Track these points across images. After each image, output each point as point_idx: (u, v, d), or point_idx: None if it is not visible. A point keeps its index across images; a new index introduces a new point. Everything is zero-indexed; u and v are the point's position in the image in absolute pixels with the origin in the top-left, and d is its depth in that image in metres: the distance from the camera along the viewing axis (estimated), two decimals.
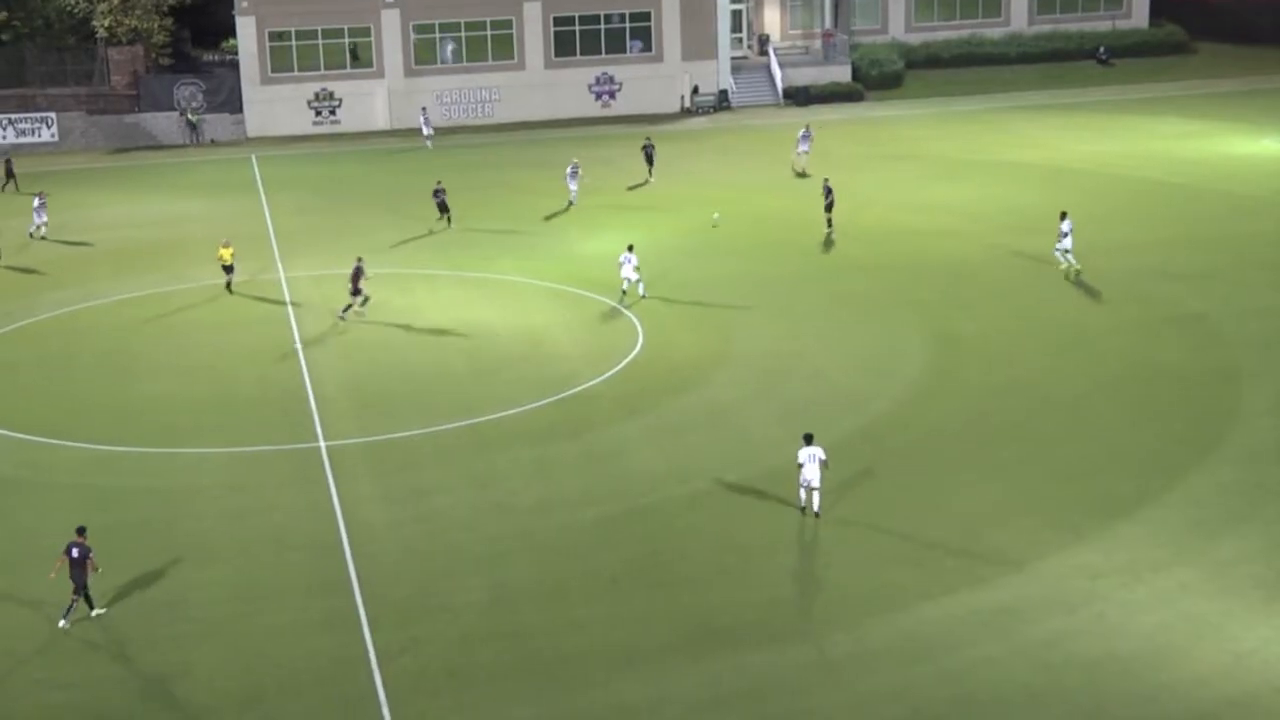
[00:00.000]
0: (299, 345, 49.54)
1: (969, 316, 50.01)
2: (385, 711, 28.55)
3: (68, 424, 43.57)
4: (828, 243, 59.43)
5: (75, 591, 31.50)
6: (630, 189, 68.06)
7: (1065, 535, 34.43)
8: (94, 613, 32.01)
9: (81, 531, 31.90)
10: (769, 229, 62.32)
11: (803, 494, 35.35)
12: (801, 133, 74.03)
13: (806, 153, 73.12)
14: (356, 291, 50.87)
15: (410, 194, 71.89)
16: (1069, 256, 52.91)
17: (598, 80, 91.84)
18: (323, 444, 41.74)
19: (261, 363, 48.20)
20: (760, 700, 28.47)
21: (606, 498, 37.64)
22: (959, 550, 33.97)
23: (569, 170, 67.73)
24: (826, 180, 62.12)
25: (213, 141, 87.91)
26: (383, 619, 31.97)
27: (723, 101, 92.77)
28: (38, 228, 64.04)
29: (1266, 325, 47.65)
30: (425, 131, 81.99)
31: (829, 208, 60.71)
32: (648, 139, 73.92)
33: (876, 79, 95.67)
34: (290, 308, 54.13)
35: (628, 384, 45.31)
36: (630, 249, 52.40)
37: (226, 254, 55.55)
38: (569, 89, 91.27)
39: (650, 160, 72.60)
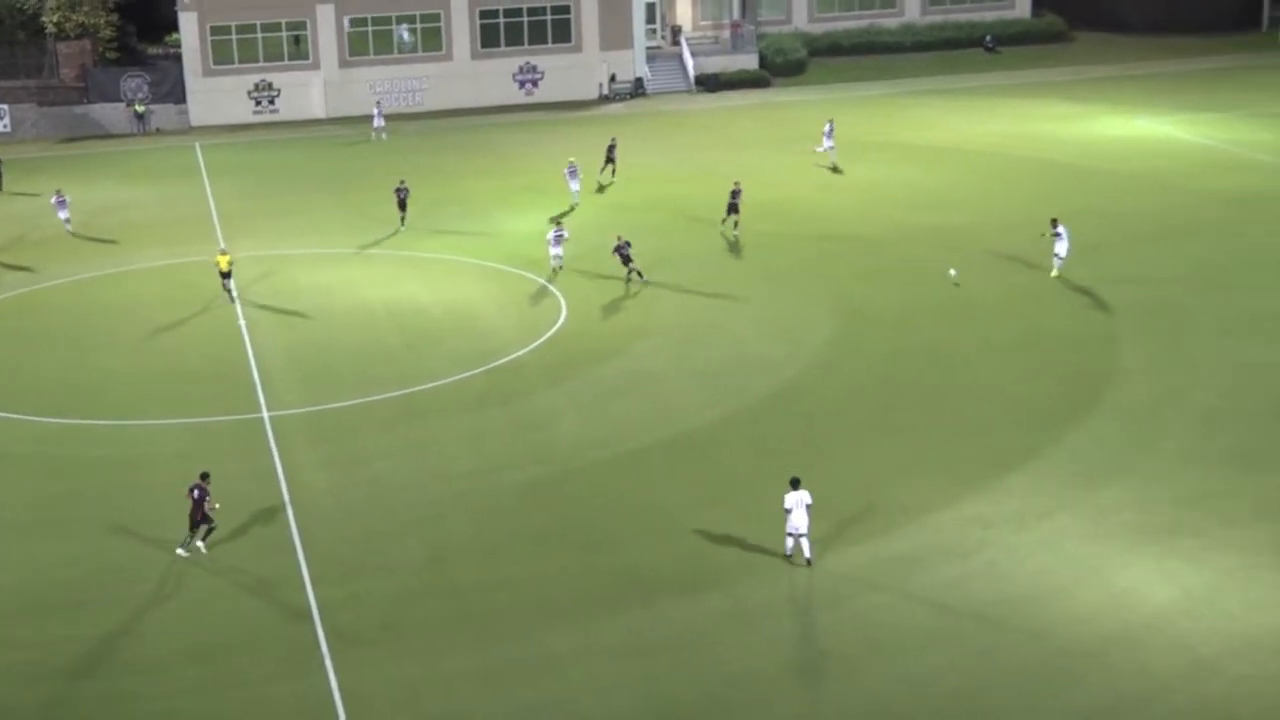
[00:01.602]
0: (242, 322, 49.10)
1: (872, 288, 50.21)
2: (328, 663, 28.46)
3: (24, 398, 43.12)
4: (734, 243, 55.99)
5: (191, 526, 32.42)
6: (599, 190, 66.45)
7: (960, 488, 34.74)
8: (180, 550, 32.69)
9: (205, 476, 32.63)
10: (684, 207, 62.25)
11: (789, 542, 31.27)
12: (826, 129, 69.39)
13: (833, 148, 68.57)
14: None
15: (346, 178, 71.56)
16: (1058, 261, 49.80)
17: (521, 70, 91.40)
18: (266, 414, 41.45)
19: (208, 339, 47.75)
20: (679, 648, 28.58)
21: (535, 462, 37.62)
22: (863, 504, 34.20)
23: (567, 170, 63.11)
24: (737, 183, 57.44)
25: (158, 131, 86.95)
26: (324, 577, 31.86)
27: (638, 89, 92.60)
28: (67, 220, 61.60)
29: (1141, 292, 48.17)
30: (378, 123, 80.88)
31: (733, 209, 56.62)
32: (613, 139, 69.18)
33: (782, 66, 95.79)
34: (234, 286, 53.58)
35: (553, 354, 45.25)
36: (558, 223, 51.94)
37: (224, 261, 51.40)
38: (494, 78, 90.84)
39: (611, 160, 67.86)
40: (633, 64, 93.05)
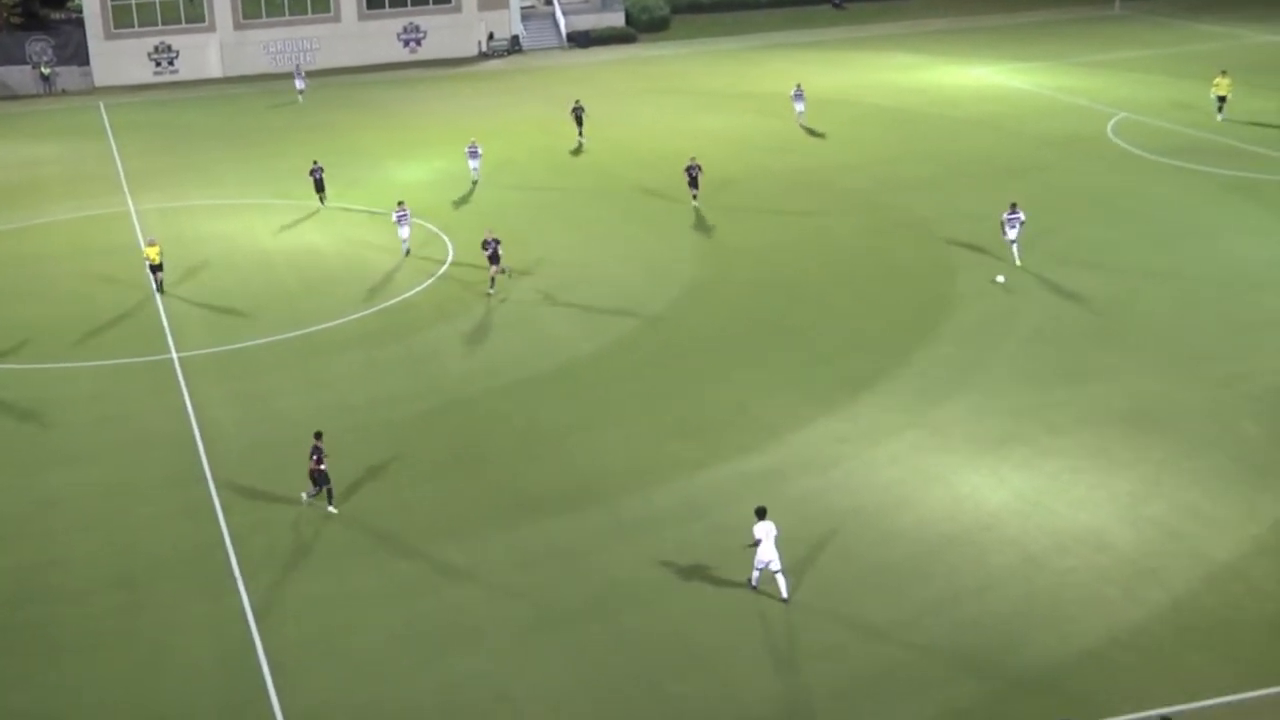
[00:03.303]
0: (150, 271, 48.23)
1: (734, 225, 50.45)
2: (241, 585, 28.25)
3: None
4: (697, 217, 51.60)
5: (317, 484, 30.93)
6: (572, 153, 65.16)
7: (818, 408, 35.14)
8: (305, 496, 31.45)
9: (319, 436, 31.13)
10: (558, 156, 62.04)
11: (755, 575, 27.11)
12: (794, 92, 66.07)
13: (803, 111, 65.44)
14: None
15: (244, 134, 70.39)
16: (1013, 249, 44.38)
17: (405, 30, 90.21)
18: (175, 355, 40.81)
19: (117, 287, 46.81)
20: (564, 559, 28.74)
21: (427, 393, 37.46)
22: (730, 424, 34.50)
23: (467, 149, 58.30)
24: (694, 159, 53.19)
25: (64, 91, 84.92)
26: (235, 506, 31.58)
27: (514, 46, 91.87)
28: None
29: (974, 226, 48.80)
30: (299, 85, 79.15)
31: (693, 182, 52.59)
32: (577, 101, 65.22)
33: (647, 23, 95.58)
34: (140, 237, 52.60)
35: (441, 294, 44.99)
36: (401, 203, 49.41)
37: (153, 252, 46.12)
38: (380, 38, 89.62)
39: (580, 122, 64.32)
40: (509, 23, 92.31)
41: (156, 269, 45.91)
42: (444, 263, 47.72)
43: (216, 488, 32.48)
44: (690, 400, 36.07)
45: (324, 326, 42.29)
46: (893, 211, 51.40)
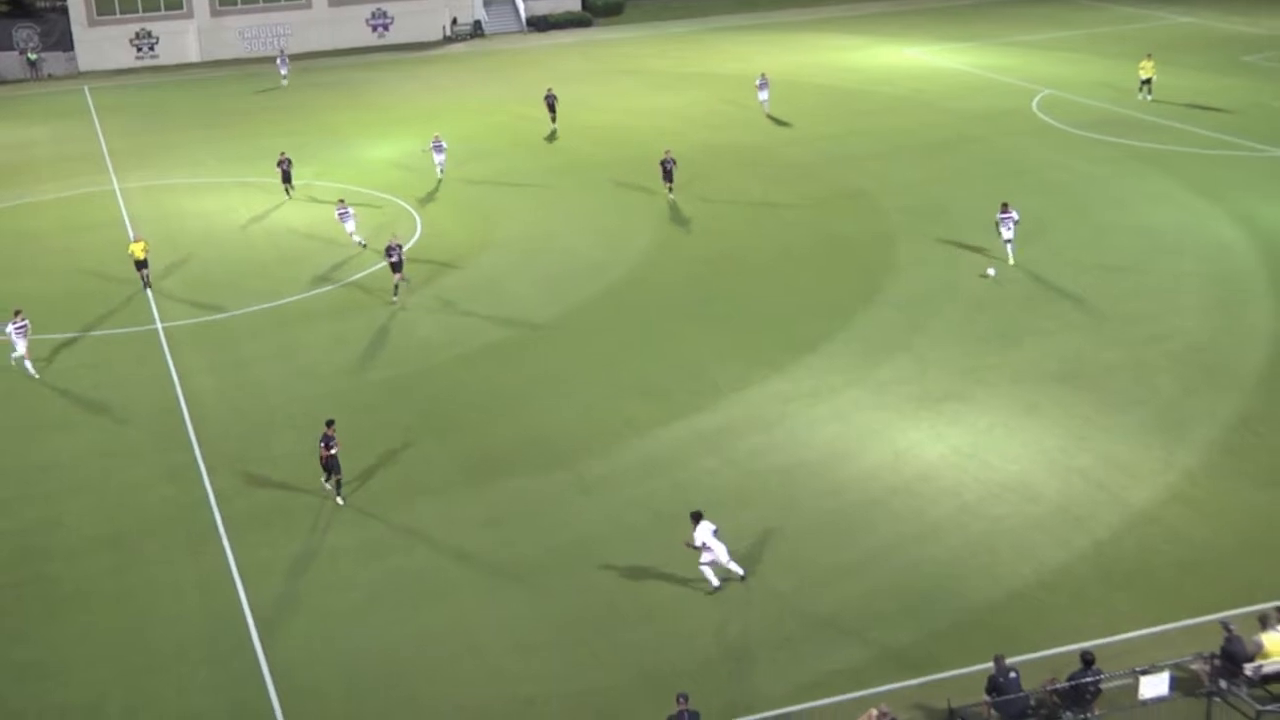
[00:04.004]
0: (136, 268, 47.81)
1: (687, 199, 50.25)
2: (225, 543, 28.14)
3: None
4: (673, 208, 49.15)
5: (328, 470, 29.32)
6: (546, 139, 63.74)
7: (765, 370, 35.21)
8: (328, 483, 29.79)
9: (330, 424, 29.37)
10: (520, 133, 61.71)
11: (709, 572, 25.62)
12: (758, 81, 63.50)
13: (766, 100, 62.84)
14: None
15: (222, 115, 69.62)
16: (1006, 248, 41.40)
17: (374, 15, 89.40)
18: (159, 325, 40.48)
19: (102, 261, 46.29)
20: (531, 516, 28.73)
21: (397, 361, 37.28)
22: (684, 385, 34.51)
23: (432, 145, 54.62)
24: (669, 152, 50.46)
25: (50, 76, 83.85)
26: (218, 469, 31.41)
27: (477, 30, 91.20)
28: None
29: (912, 196, 48.99)
30: (283, 70, 78.05)
31: (667, 175, 49.82)
32: (549, 90, 62.91)
33: (602, 7, 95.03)
34: (125, 214, 52.07)
35: (410, 266, 44.64)
36: (342, 200, 47.66)
37: (138, 249, 43.02)
38: (350, 23, 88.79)
39: (552, 109, 61.95)
40: (472, 8, 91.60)
41: (142, 265, 43.05)
42: (412, 238, 47.40)
43: (201, 452, 32.28)
44: (646, 364, 36.06)
45: (298, 298, 41.98)
46: (835, 183, 51.41)
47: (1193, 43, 75.62)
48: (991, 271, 40.56)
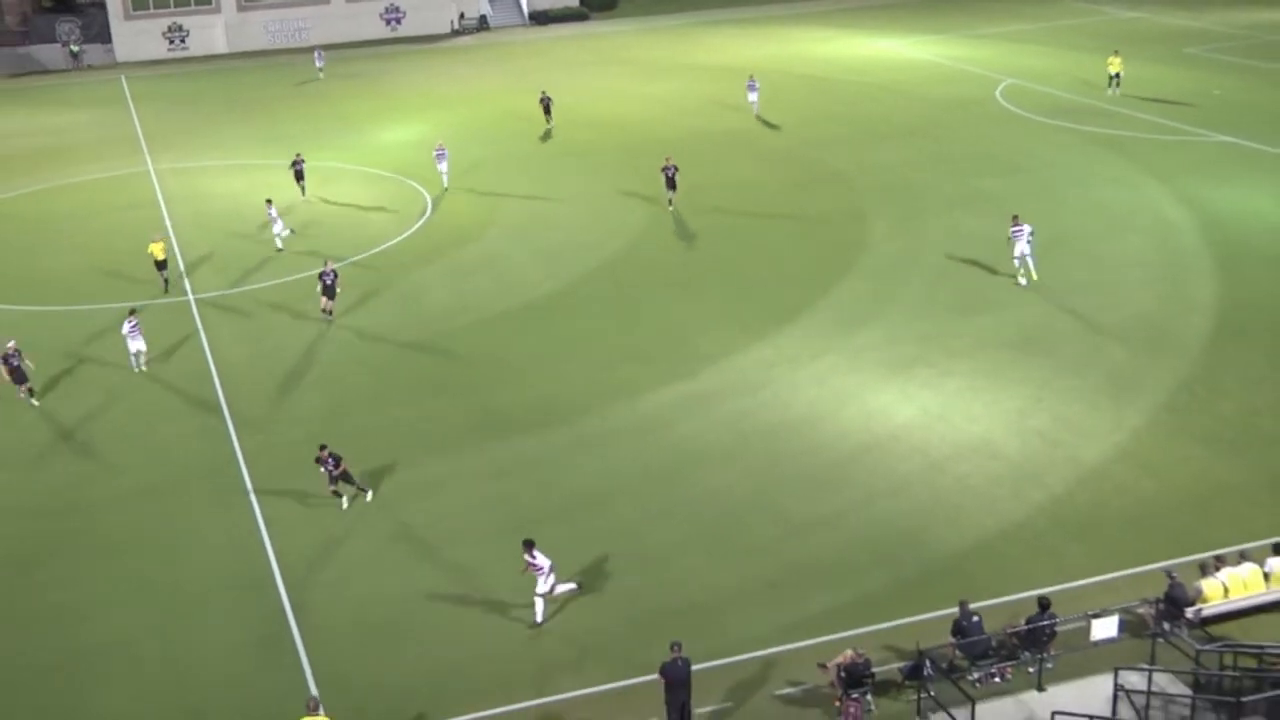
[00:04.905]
0: (168, 222, 47.49)
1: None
2: (252, 496, 28.07)
3: None
4: (677, 222, 45.10)
5: (347, 481, 27.46)
6: (542, 139, 59.09)
7: (749, 337, 35.10)
8: (367, 495, 27.86)
9: (323, 448, 27.20)
10: (523, 120, 61.33)
11: (540, 604, 23.19)
12: (748, 83, 60.24)
13: (755, 101, 59.58)
14: None
15: (248, 103, 69.12)
16: (1028, 260, 37.41)
17: (387, 10, 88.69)
18: (191, 297, 40.25)
19: (138, 238, 45.84)
20: (532, 470, 28.68)
21: (411, 326, 37.15)
22: (673, 351, 34.42)
23: (435, 153, 50.79)
24: (670, 159, 46.37)
25: (90, 66, 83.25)
26: (246, 427, 31.30)
27: (483, 23, 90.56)
28: None
29: (882, 177, 48.78)
30: (319, 65, 76.73)
31: (670, 183, 45.74)
32: (544, 92, 60.18)
33: (598, 3, 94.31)
34: (159, 194, 51.75)
35: (423, 240, 44.52)
36: (270, 200, 45.01)
37: (157, 249, 40.36)
38: (365, 18, 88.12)
39: (548, 111, 59.34)
40: (478, 3, 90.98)
41: (161, 265, 40.45)
42: (424, 216, 47.17)
43: (230, 412, 32.16)
44: (639, 332, 35.94)
45: (320, 271, 41.72)
46: (812, 166, 51.17)
47: (1140, 36, 75.21)
48: (1023, 281, 37.39)
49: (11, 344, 32.54)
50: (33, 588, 25.24)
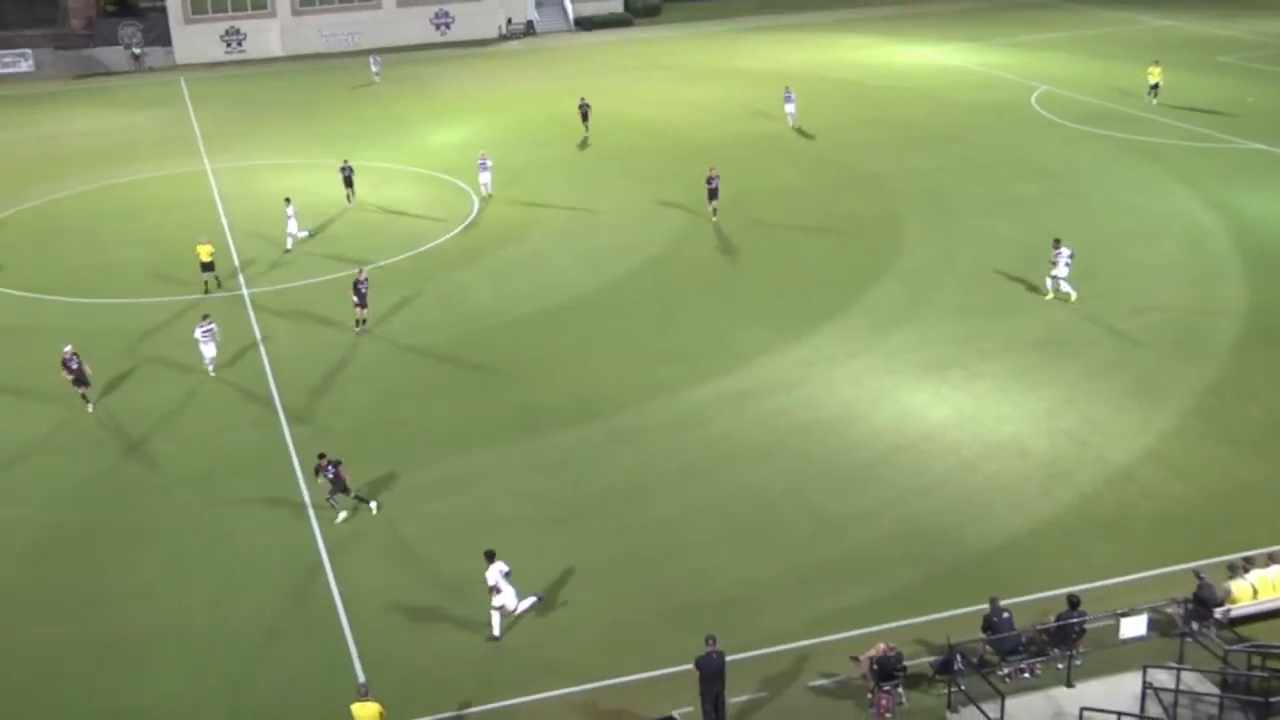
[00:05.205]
0: (223, 219, 47.82)
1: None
2: (301, 484, 28.19)
3: (54, 284, 41.95)
4: (717, 231, 43.98)
5: (343, 492, 26.73)
6: (580, 146, 57.09)
7: (785, 337, 34.94)
8: (372, 507, 27.13)
9: (321, 456, 26.78)
10: (567, 125, 61.28)
11: (496, 618, 22.43)
12: (785, 94, 58.75)
13: (793, 112, 58.13)
14: None
15: (301, 104, 69.47)
16: (1062, 284, 36.17)
17: (436, 15, 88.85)
18: (245, 291, 40.48)
19: (197, 232, 46.11)
20: (568, 464, 28.66)
21: (455, 323, 37.20)
22: (709, 351, 34.28)
23: (478, 162, 48.98)
24: (713, 169, 45.24)
25: (151, 68, 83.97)
26: (296, 418, 31.45)
27: (529, 29, 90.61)
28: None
29: (918, 182, 48.43)
30: (375, 69, 76.87)
31: (713, 194, 44.54)
32: (583, 99, 59.00)
33: (642, 9, 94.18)
34: (215, 192, 52.11)
35: (467, 240, 44.58)
36: (294, 214, 43.97)
37: (204, 252, 39.85)
38: (415, 22, 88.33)
39: (585, 118, 58.11)
40: (525, 9, 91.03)
41: (208, 267, 39.90)
42: (469, 215, 47.24)
43: (281, 403, 32.32)
44: (677, 331, 35.84)
45: (369, 267, 41.81)
46: (848, 169, 50.87)
47: (1172, 44, 74.31)
48: (1073, 294, 36.10)
49: (69, 348, 32.32)
50: (90, 570, 25.46)
